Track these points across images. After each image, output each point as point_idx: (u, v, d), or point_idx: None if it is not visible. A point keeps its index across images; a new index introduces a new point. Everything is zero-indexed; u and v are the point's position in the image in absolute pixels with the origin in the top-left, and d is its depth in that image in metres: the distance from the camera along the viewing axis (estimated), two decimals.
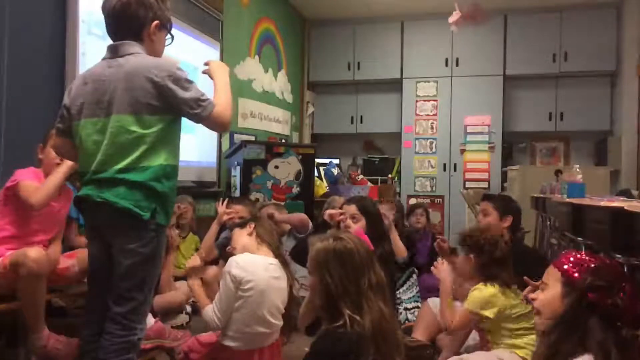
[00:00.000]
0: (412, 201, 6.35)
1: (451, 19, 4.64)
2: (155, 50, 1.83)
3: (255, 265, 2.05)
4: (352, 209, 2.41)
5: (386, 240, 2.52)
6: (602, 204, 2.44)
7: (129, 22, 1.77)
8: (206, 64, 1.95)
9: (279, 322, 2.08)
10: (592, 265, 1.43)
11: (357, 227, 2.34)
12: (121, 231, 1.71)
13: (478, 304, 2.09)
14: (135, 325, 1.73)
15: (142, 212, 1.67)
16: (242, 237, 2.19)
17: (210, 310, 2.03)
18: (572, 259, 1.49)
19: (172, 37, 1.90)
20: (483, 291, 2.11)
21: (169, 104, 1.72)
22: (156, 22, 1.78)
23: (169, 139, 1.77)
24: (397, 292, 3.15)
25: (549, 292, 1.48)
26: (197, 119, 1.74)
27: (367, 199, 2.90)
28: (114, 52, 1.77)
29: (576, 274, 1.43)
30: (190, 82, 1.75)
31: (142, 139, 1.69)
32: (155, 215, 1.70)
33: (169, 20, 1.85)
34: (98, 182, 1.70)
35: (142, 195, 1.69)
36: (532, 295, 1.55)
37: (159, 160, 1.72)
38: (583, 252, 1.52)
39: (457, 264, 2.28)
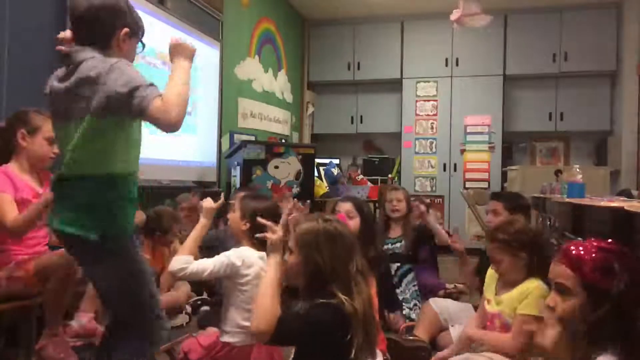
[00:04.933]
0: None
1: (453, 17, 4.63)
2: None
3: (251, 257, 2.06)
4: (348, 206, 2.40)
5: (376, 242, 2.52)
6: (602, 204, 2.44)
7: (94, 28, 1.66)
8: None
9: None
10: (616, 265, 1.29)
11: (350, 222, 2.32)
12: (80, 257, 1.68)
13: (539, 305, 1.91)
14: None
15: (89, 233, 1.58)
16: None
17: (190, 262, 1.97)
18: (590, 259, 1.31)
19: (144, 45, 1.81)
20: (542, 289, 1.96)
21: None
22: (126, 29, 1.69)
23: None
24: (398, 290, 3.16)
25: (572, 300, 1.32)
26: None
27: (362, 199, 2.90)
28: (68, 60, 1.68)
29: (604, 282, 1.28)
30: None
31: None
32: (107, 233, 1.61)
33: (140, 28, 1.76)
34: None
35: (86, 215, 1.60)
36: (550, 302, 1.37)
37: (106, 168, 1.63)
38: (594, 247, 1.33)
39: (504, 267, 2.08)
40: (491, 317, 2.12)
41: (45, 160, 2.22)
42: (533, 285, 2.01)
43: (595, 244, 1.36)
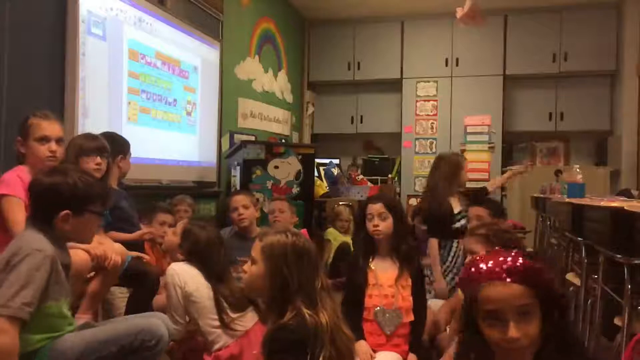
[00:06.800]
0: (412, 201, 6.35)
1: (458, 15, 4.64)
2: None
3: (189, 271, 2.22)
4: (379, 207, 2.34)
5: (409, 236, 2.50)
6: (602, 204, 2.45)
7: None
8: None
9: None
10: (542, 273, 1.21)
11: (383, 224, 2.33)
12: None
13: None
14: None
15: None
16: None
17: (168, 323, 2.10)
18: (537, 266, 1.21)
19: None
20: None
21: None
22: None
23: None
24: None
25: (534, 321, 1.19)
26: None
27: (389, 195, 2.85)
28: None
29: (553, 289, 1.22)
30: None
31: None
32: None
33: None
34: None
35: None
36: (514, 334, 1.16)
37: None
38: (517, 256, 1.23)
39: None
40: None
41: (41, 161, 2.14)
42: None
43: (512, 253, 1.24)
